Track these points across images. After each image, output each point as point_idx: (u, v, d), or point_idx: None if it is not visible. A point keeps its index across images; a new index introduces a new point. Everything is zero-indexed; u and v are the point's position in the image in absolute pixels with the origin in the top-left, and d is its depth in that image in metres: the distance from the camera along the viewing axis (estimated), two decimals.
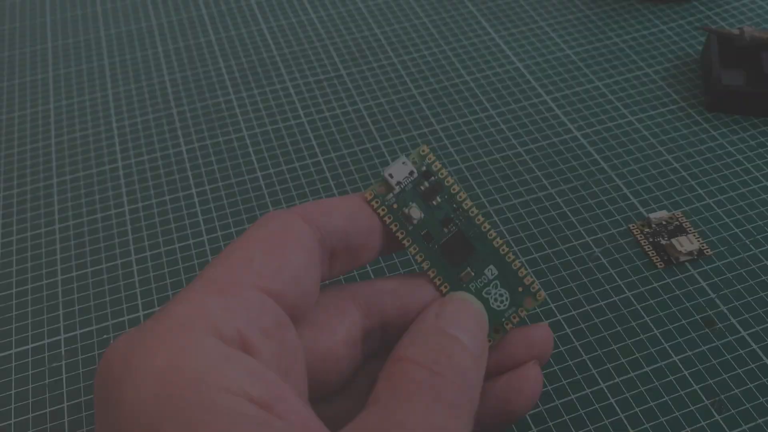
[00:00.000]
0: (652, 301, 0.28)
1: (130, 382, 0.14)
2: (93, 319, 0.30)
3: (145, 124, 0.39)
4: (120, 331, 0.29)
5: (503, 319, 0.21)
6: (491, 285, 0.21)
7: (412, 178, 0.21)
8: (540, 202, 0.33)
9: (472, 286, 0.21)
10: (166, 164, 0.36)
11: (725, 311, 0.28)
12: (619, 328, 0.28)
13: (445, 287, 0.21)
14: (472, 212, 0.21)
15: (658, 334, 0.27)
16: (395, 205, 0.21)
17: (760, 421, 0.24)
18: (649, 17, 0.43)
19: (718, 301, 0.28)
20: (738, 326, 0.27)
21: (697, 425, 0.24)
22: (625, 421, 0.25)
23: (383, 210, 0.21)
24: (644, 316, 0.28)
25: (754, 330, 0.27)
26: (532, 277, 0.21)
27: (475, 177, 0.34)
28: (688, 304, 0.28)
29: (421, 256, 0.21)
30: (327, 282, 0.20)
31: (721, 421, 0.24)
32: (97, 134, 0.39)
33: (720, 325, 0.27)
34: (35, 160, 0.38)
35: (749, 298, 0.28)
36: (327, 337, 0.19)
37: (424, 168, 0.21)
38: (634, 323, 0.28)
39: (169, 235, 0.33)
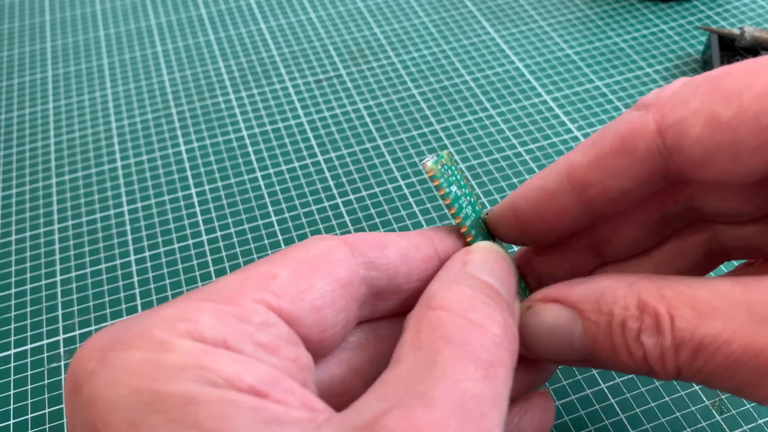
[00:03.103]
0: None
1: (104, 376, 0.13)
2: (92, 320, 0.30)
3: (145, 124, 0.39)
4: None
5: None
6: None
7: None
8: None
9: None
10: (166, 164, 0.36)
11: None
12: None
13: (470, 237, 0.20)
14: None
15: None
16: (448, 174, 0.20)
17: (761, 421, 0.24)
18: (649, 17, 0.43)
19: None
20: None
21: (698, 426, 0.24)
22: (626, 422, 0.25)
23: (438, 173, 0.20)
24: None
25: None
26: None
27: (475, 177, 0.34)
28: None
29: (459, 218, 0.19)
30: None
31: (721, 422, 0.24)
32: (96, 134, 0.39)
33: None
34: (34, 160, 0.37)
35: None
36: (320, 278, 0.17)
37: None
38: None
39: (169, 235, 0.33)
